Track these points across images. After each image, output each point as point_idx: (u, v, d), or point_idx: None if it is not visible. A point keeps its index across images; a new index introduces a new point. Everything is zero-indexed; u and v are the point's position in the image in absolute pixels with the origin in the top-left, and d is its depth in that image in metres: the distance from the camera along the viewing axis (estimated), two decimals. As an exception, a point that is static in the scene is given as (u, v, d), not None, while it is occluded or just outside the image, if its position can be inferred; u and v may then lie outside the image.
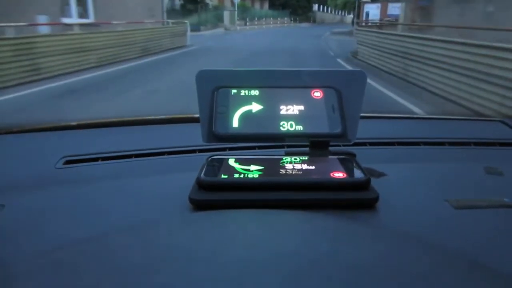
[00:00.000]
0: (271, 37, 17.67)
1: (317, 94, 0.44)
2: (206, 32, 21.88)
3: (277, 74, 0.44)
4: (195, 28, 22.28)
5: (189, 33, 12.47)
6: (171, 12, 23.59)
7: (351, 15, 52.77)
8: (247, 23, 28.98)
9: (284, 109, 0.43)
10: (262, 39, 16.36)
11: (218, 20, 25.60)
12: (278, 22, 35.70)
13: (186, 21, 12.90)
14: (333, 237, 0.28)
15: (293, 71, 0.44)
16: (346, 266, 0.23)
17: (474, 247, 0.32)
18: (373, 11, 18.48)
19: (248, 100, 0.43)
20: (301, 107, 0.43)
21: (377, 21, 15.65)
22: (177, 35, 11.46)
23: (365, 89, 0.43)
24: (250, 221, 0.30)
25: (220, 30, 23.45)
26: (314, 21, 45.30)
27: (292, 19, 40.38)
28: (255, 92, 0.44)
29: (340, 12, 52.50)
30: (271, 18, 34.95)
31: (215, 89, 0.43)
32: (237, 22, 26.78)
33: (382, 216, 0.36)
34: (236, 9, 26.61)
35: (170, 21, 12.89)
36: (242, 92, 0.44)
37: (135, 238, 0.27)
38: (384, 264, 0.24)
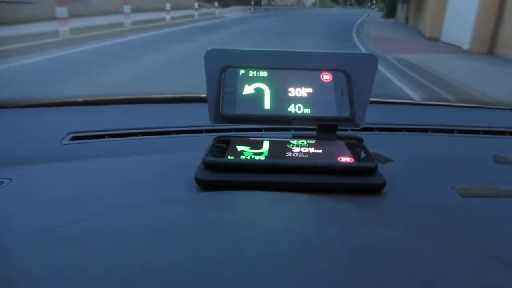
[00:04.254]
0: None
1: (327, 77, 0.44)
2: None
3: (286, 56, 0.44)
4: None
5: None
6: None
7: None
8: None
9: (292, 91, 0.43)
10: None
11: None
12: (180, 7, 13.58)
13: None
14: (339, 221, 0.28)
15: (303, 53, 0.44)
16: (351, 250, 0.23)
17: (480, 235, 0.32)
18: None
19: (257, 81, 0.43)
20: (310, 90, 0.43)
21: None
22: None
23: (375, 74, 0.43)
24: (256, 203, 0.31)
25: None
26: (259, 4, 27.38)
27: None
28: (263, 73, 0.44)
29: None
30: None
31: (223, 68, 0.43)
32: None
33: (389, 202, 0.36)
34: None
35: None
36: (251, 73, 0.44)
37: (141, 216, 0.28)
38: (390, 249, 0.24)
